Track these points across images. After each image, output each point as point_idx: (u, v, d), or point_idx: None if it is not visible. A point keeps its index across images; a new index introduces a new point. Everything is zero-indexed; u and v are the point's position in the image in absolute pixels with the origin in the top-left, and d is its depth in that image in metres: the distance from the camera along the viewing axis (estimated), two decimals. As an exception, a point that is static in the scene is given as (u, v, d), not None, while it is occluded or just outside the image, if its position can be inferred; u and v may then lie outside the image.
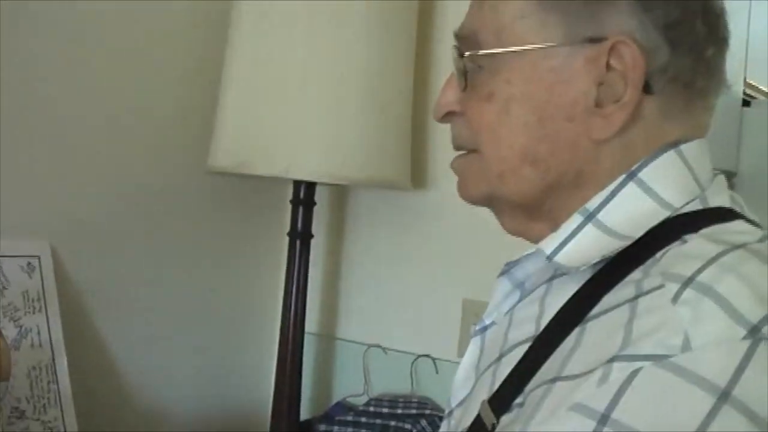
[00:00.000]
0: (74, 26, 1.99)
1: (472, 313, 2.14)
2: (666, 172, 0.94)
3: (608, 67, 0.93)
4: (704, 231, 0.88)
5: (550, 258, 0.95)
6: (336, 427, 2.21)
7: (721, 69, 0.99)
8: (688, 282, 0.80)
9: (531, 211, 1.01)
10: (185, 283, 2.27)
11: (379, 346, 2.32)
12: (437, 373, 2.22)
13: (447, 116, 1.05)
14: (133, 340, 2.15)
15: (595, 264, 0.93)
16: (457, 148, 1.06)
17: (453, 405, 1.11)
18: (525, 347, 0.94)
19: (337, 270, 2.47)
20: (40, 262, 1.93)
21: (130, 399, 2.15)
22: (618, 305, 0.85)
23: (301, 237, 2.14)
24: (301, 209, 2.13)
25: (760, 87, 3.56)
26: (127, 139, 2.10)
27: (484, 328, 1.09)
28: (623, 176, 0.94)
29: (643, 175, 0.94)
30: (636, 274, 0.87)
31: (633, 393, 0.77)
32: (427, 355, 2.24)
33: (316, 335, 2.44)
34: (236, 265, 2.41)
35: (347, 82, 1.96)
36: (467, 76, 1.01)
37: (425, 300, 2.30)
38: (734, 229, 0.89)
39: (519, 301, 1.05)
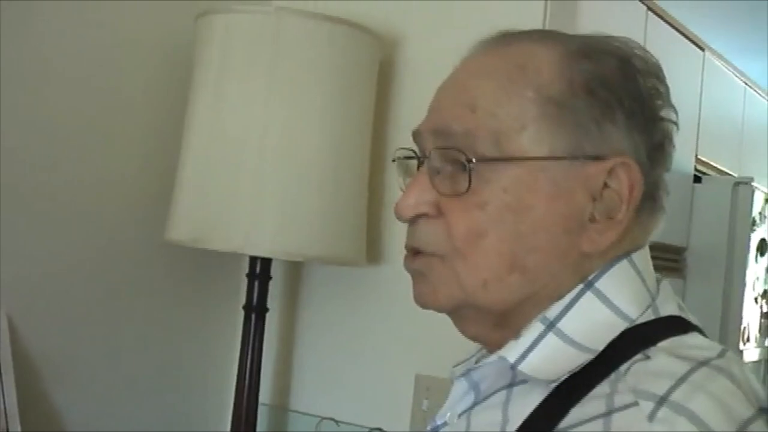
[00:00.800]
0: (29, 96, 2.00)
1: (425, 387, 2.16)
2: (621, 282, 0.97)
3: (605, 185, 0.96)
4: (663, 344, 0.92)
5: (514, 367, 0.96)
6: (288, 500, 2.21)
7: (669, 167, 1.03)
8: (662, 401, 0.84)
9: (500, 319, 1.00)
10: (141, 353, 2.27)
11: (332, 419, 2.32)
12: None
13: (413, 218, 1.01)
14: (87, 409, 2.13)
15: (559, 377, 0.94)
16: (417, 251, 1.02)
17: None
18: None
19: (291, 343, 2.48)
20: None
21: None
22: (589, 420, 0.88)
23: (256, 310, 2.15)
24: (256, 283, 2.14)
25: (711, 163, 3.64)
26: (84, 209, 2.11)
27: (436, 428, 1.08)
28: (581, 286, 0.97)
29: (599, 285, 0.97)
30: (603, 388, 0.90)
31: None
32: (379, 429, 2.24)
33: (269, 407, 2.44)
34: (192, 337, 2.40)
35: (303, 159, 1.98)
36: (450, 181, 0.99)
37: (378, 374, 2.31)
38: (692, 344, 0.93)
39: (474, 404, 1.04)
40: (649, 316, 0.97)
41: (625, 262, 0.99)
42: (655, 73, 1.01)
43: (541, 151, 0.95)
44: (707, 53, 3.54)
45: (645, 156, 0.97)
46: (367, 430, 2.27)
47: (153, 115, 2.25)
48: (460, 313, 1.03)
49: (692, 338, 0.95)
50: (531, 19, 2.13)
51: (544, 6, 2.16)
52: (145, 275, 2.26)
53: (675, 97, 3.06)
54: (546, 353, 0.95)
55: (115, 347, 2.21)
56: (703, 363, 0.88)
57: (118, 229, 2.19)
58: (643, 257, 1.01)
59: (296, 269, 2.47)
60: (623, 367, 0.91)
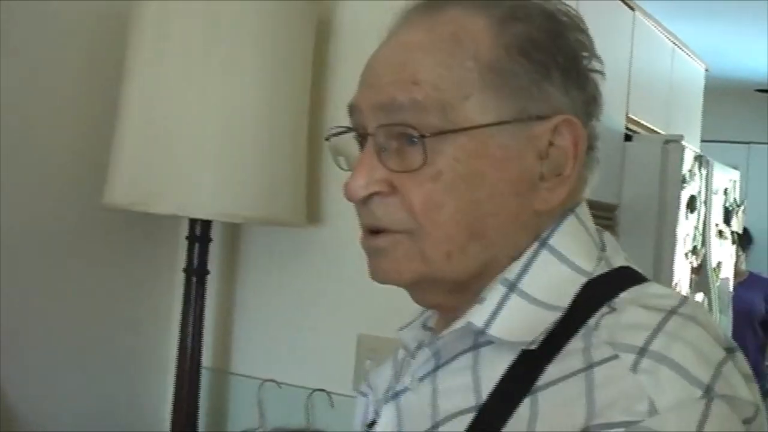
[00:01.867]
0: None
1: (367, 347, 2.17)
2: (571, 237, 1.01)
3: (551, 144, 0.98)
4: (625, 296, 0.95)
5: (483, 331, 0.96)
6: (232, 462, 2.22)
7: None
8: (642, 352, 0.88)
9: (459, 286, 1.01)
10: (82, 318, 2.26)
11: (274, 381, 2.32)
12: (332, 407, 2.23)
13: (367, 197, 0.99)
14: (27, 376, 2.12)
15: (533, 338, 0.95)
16: (378, 229, 1.01)
17: None
18: (468, 416, 0.96)
19: (232, 305, 2.47)
20: None
21: (27, 427, 2.12)
22: (570, 375, 0.91)
23: (197, 273, 2.15)
24: (196, 246, 2.14)
25: (641, 122, 3.68)
26: (23, 178, 2.09)
27: (397, 394, 1.06)
28: (536, 245, 0.99)
29: (552, 242, 0.99)
30: (576, 344, 0.93)
31: None
32: (322, 390, 2.25)
33: (211, 370, 2.42)
34: (133, 301, 2.40)
35: (240, 120, 1.99)
36: (399, 155, 0.98)
37: (320, 335, 2.31)
38: (652, 293, 0.97)
39: (436, 367, 1.03)
40: (603, 268, 1.00)
41: (572, 217, 1.02)
42: (579, 25, 1.03)
43: (487, 118, 0.96)
44: (637, 13, 3.56)
45: (582, 110, 1.00)
46: (310, 391, 2.27)
47: (89, 82, 2.23)
48: (420, 286, 1.02)
49: (651, 287, 0.98)
50: None
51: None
52: (83, 241, 2.24)
53: (606, 56, 3.11)
54: (512, 315, 0.97)
55: (55, 313, 2.19)
56: (672, 312, 0.91)
57: (55, 195, 2.17)
58: (585, 211, 1.05)
59: (236, 231, 2.46)
60: (592, 321, 0.93)
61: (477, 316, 0.97)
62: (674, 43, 4.12)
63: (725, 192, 4.25)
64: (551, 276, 0.98)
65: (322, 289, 2.31)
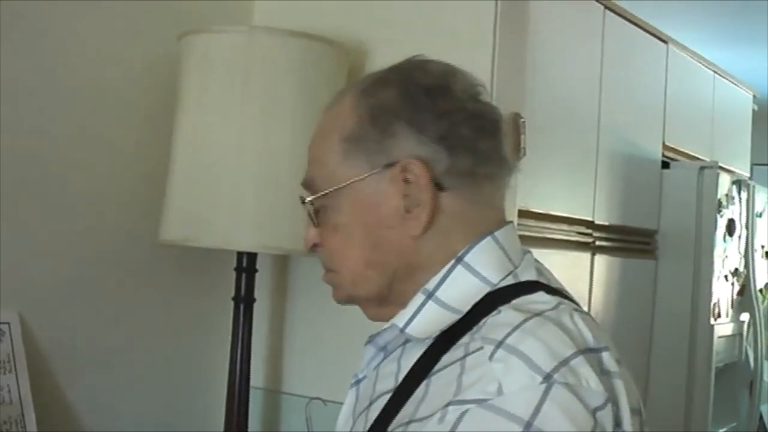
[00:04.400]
0: (32, 109, 2.17)
1: None
2: (485, 255, 1.21)
3: (406, 181, 1.20)
4: (514, 302, 1.15)
5: (402, 330, 1.20)
6: (281, 473, 2.39)
7: (498, 153, 1.25)
8: (499, 344, 1.06)
9: (381, 300, 1.26)
10: (141, 346, 2.43)
11: (320, 399, 2.48)
12: None
13: (313, 248, 1.32)
14: (93, 398, 2.29)
15: (434, 333, 1.17)
16: (324, 268, 1.32)
17: None
18: (387, 396, 1.18)
19: (280, 330, 2.65)
20: (9, 328, 2.07)
21: None
22: (452, 363, 1.10)
23: (244, 301, 2.31)
24: (243, 276, 2.31)
25: (680, 149, 3.80)
26: (86, 216, 2.28)
27: (358, 382, 1.34)
28: (453, 261, 1.20)
29: (468, 259, 1.20)
30: (465, 339, 1.13)
31: (463, 427, 1.02)
32: (362, 405, 2.41)
33: (262, 390, 2.61)
34: (188, 329, 2.57)
35: (278, 159, 2.14)
36: (317, 216, 1.28)
37: (362, 354, 2.47)
38: (535, 300, 1.16)
39: (383, 359, 1.28)
40: (509, 281, 1.20)
41: (489, 239, 1.22)
42: (438, 80, 1.25)
43: (351, 176, 1.23)
44: (671, 45, 3.69)
45: (434, 147, 1.20)
46: (352, 407, 2.43)
47: (144, 129, 2.42)
48: (357, 303, 1.31)
49: (538, 296, 1.17)
50: (485, 20, 2.33)
51: (495, 6, 2.35)
52: (142, 274, 2.43)
53: (639, 88, 3.31)
54: (426, 317, 1.19)
55: (117, 341, 2.37)
56: (538, 314, 1.10)
57: (117, 232, 2.36)
58: (505, 233, 1.24)
59: (282, 261, 2.64)
60: (482, 322, 1.13)
61: (400, 318, 1.21)
62: (715, 71, 4.23)
63: (772, 214, 4.34)
64: (462, 286, 1.19)
65: (361, 313, 2.45)
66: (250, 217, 2.15)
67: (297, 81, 2.19)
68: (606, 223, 3.25)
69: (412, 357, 1.19)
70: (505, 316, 1.12)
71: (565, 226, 2.99)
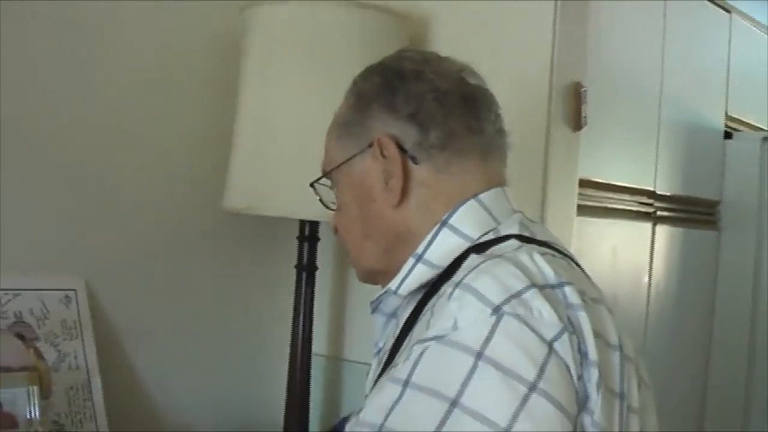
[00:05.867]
0: (94, 75, 2.21)
1: None
2: (468, 215, 1.31)
3: (384, 157, 1.34)
4: (486, 251, 1.23)
5: (395, 292, 1.33)
6: (343, 440, 2.41)
7: (474, 129, 1.36)
8: (457, 285, 1.13)
9: (388, 270, 1.37)
10: (205, 313, 2.47)
11: (381, 366, 2.51)
12: None
13: (336, 233, 1.49)
14: (159, 363, 2.33)
15: (422, 288, 1.29)
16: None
17: None
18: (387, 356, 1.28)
19: (342, 298, 2.68)
20: (76, 294, 2.12)
21: (157, 415, 2.33)
22: (428, 310, 1.19)
23: (306, 269, 2.34)
24: (306, 245, 2.34)
25: (744, 119, 3.77)
26: (150, 183, 2.32)
27: (379, 351, 1.43)
28: (438, 225, 1.31)
29: (452, 221, 1.31)
30: (444, 287, 1.19)
31: (423, 362, 1.10)
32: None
33: (324, 357, 2.64)
34: (251, 296, 2.60)
35: None
36: (332, 201, 1.47)
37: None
38: (503, 245, 1.24)
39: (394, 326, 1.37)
40: (490, 236, 1.29)
41: (472, 201, 1.32)
42: (413, 66, 1.39)
43: (344, 157, 1.40)
44: (734, 15, 3.65)
45: (404, 123, 1.34)
46: (412, 374, 2.45)
47: (208, 100, 2.44)
48: (374, 280, 1.46)
49: (507, 243, 1.25)
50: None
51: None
52: (207, 242, 2.46)
53: (702, 58, 3.27)
54: (415, 277, 1.31)
55: (180, 306, 2.41)
56: (497, 256, 1.18)
57: (182, 201, 2.39)
58: (491, 195, 1.34)
59: None
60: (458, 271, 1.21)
61: (395, 282, 1.33)
62: (778, 40, 4.18)
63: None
64: (446, 245, 1.29)
65: None
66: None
67: (360, 53, 2.17)
68: (668, 194, 3.23)
69: (407, 313, 1.29)
70: (469, 261, 1.21)
71: (626, 196, 2.98)
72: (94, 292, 2.18)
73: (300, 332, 2.36)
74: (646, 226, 3.13)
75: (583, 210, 2.57)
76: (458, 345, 1.08)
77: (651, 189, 3.13)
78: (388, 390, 1.12)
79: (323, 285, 2.44)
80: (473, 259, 1.21)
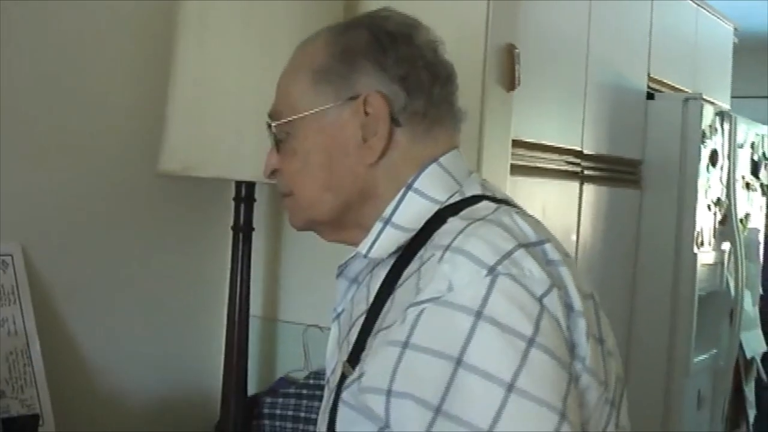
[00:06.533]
0: (27, 38, 2.18)
1: None
2: (432, 179, 1.34)
3: (366, 113, 1.33)
4: (462, 213, 1.27)
5: (365, 256, 1.33)
6: (281, 399, 2.43)
7: (449, 101, 1.40)
8: (446, 248, 1.18)
9: (336, 224, 1.40)
10: (142, 276, 2.47)
11: (316, 326, 2.53)
12: None
13: (272, 174, 1.45)
14: (96, 327, 2.33)
15: (395, 252, 1.30)
16: (281, 194, 1.46)
17: (328, 374, 1.43)
18: (362, 319, 1.29)
19: (277, 259, 2.70)
20: (12, 260, 2.11)
21: (96, 379, 2.34)
22: (412, 274, 1.23)
23: (243, 231, 2.36)
24: (242, 206, 2.36)
25: (665, 81, 3.85)
26: (84, 148, 2.30)
27: (338, 315, 1.44)
28: (404, 189, 1.34)
29: (417, 185, 1.34)
30: (421, 252, 1.24)
31: (421, 324, 1.14)
32: (359, 332, 2.47)
33: (260, 318, 2.66)
34: (186, 258, 2.61)
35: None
36: (279, 143, 1.41)
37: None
38: (479, 208, 1.29)
39: (357, 290, 1.39)
40: (456, 198, 1.33)
41: (434, 165, 1.35)
42: (402, 28, 1.38)
43: (316, 105, 1.36)
44: (657, -22, 3.74)
45: (394, 86, 1.34)
46: (349, 334, 2.49)
47: (141, 61, 2.43)
48: (314, 229, 1.46)
49: (480, 204, 1.30)
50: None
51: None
52: (141, 204, 2.46)
53: (626, 21, 3.32)
54: (385, 240, 1.32)
55: (117, 271, 2.40)
56: (479, 219, 1.23)
57: (116, 163, 2.38)
58: (449, 158, 1.38)
59: (278, 192, 2.66)
60: (435, 235, 1.25)
61: (363, 246, 1.34)
62: (698, 4, 4.25)
63: (752, 146, 4.40)
64: (414, 209, 1.32)
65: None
66: (250, 148, 2.17)
67: (295, 20, 2.22)
68: (594, 153, 3.30)
69: (378, 279, 1.30)
70: (450, 224, 1.24)
71: (555, 156, 3.03)
72: (30, 257, 2.18)
73: (237, 294, 2.38)
74: (574, 185, 3.19)
75: (515, 169, 2.62)
76: (456, 305, 1.13)
77: (578, 149, 3.19)
78: (388, 353, 1.15)
79: (257, 246, 2.44)
80: (455, 222, 1.24)
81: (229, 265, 2.40)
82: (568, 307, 1.19)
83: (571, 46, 3.12)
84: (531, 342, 1.11)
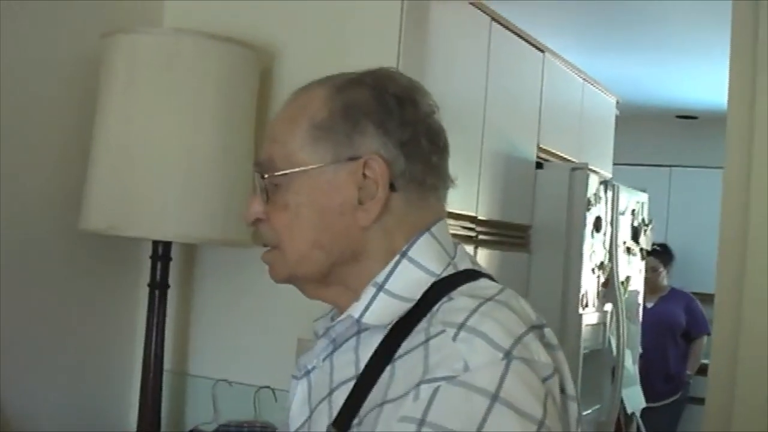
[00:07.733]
0: None
1: (306, 349, 2.46)
2: (426, 249, 1.33)
3: (364, 176, 1.31)
4: (461, 289, 1.29)
5: (359, 320, 1.29)
6: (190, 451, 2.52)
7: (444, 169, 1.38)
8: (461, 326, 1.19)
9: (321, 281, 1.36)
10: (60, 328, 2.53)
11: (225, 380, 2.64)
12: (276, 401, 2.55)
13: (255, 222, 1.37)
14: (14, 378, 2.38)
15: (391, 321, 1.28)
16: (264, 244, 1.39)
17: (291, 430, 1.43)
18: (350, 384, 1.28)
19: (189, 315, 2.79)
20: None
21: (13, 426, 2.38)
22: (416, 347, 1.22)
23: (159, 287, 2.44)
24: (159, 264, 2.44)
25: (553, 150, 4.05)
26: (7, 204, 2.36)
27: (308, 372, 1.40)
28: (398, 256, 1.32)
29: (411, 253, 1.32)
30: (423, 324, 1.24)
31: (437, 402, 1.15)
32: (267, 386, 2.58)
33: (171, 372, 2.73)
34: (104, 313, 2.68)
35: (197, 155, 2.30)
36: (268, 193, 1.34)
37: (265, 339, 2.63)
38: (481, 286, 1.30)
39: (333, 351, 1.36)
40: (450, 270, 1.33)
41: (427, 235, 1.34)
42: (407, 92, 1.37)
43: (314, 162, 1.32)
44: (547, 54, 3.92)
45: (395, 151, 1.31)
46: (257, 388, 2.59)
47: (64, 120, 2.51)
48: (296, 284, 1.39)
49: (482, 282, 1.32)
50: (390, 20, 2.52)
51: (401, 7, 2.55)
52: (61, 262, 2.53)
53: (517, 93, 3.52)
54: (379, 307, 1.29)
55: (38, 327, 2.47)
56: (489, 299, 1.24)
57: (35, 223, 2.45)
58: (440, 228, 1.37)
59: (193, 251, 2.77)
60: (435, 308, 1.26)
61: (355, 310, 1.30)
62: (584, 79, 4.48)
63: (633, 213, 4.63)
64: (408, 278, 1.31)
65: (265, 300, 2.61)
66: (169, 209, 2.29)
67: (218, 81, 2.36)
68: (487, 218, 3.46)
69: (370, 346, 1.29)
70: (459, 302, 1.25)
71: (452, 221, 3.16)
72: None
73: (152, 348, 2.46)
74: (469, 249, 3.32)
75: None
76: (472, 386, 1.14)
77: (473, 215, 3.36)
78: (402, 428, 1.15)
79: (171, 302, 2.53)
80: (463, 300, 1.25)
81: (143, 321, 2.47)
82: (562, 391, 1.24)
83: (468, 115, 3.29)
84: (541, 424, 1.15)
